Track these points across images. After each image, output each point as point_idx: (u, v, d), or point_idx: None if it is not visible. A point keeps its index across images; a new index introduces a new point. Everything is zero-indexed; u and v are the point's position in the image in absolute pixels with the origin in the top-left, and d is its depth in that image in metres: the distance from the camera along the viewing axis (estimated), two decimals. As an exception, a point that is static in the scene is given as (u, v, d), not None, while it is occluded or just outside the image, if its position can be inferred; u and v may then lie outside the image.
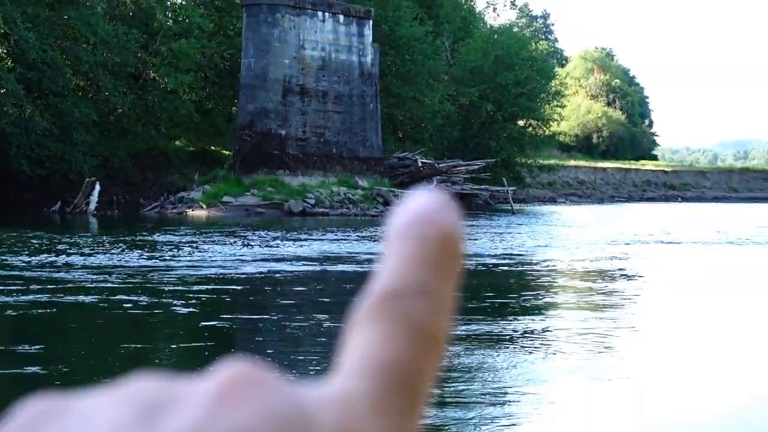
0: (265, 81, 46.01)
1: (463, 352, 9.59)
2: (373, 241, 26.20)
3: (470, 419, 7.19)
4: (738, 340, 11.37)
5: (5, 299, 12.96)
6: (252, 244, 24.17)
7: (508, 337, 10.67)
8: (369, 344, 0.34)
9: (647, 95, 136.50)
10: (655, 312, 13.80)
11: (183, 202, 43.56)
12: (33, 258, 19.01)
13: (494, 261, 20.75)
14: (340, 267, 18.77)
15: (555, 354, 9.69)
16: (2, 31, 42.46)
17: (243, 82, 46.84)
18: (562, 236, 30.28)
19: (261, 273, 17.44)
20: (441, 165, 51.15)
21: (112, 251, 20.99)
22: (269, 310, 12.63)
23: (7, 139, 41.03)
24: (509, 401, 7.69)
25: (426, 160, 50.95)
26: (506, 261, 20.85)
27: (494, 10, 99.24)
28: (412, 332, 0.34)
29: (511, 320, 11.97)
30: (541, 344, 10.28)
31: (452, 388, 8.01)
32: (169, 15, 53.65)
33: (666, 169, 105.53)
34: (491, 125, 62.14)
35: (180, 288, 14.67)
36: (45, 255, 19.74)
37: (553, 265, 20.41)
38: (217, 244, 23.86)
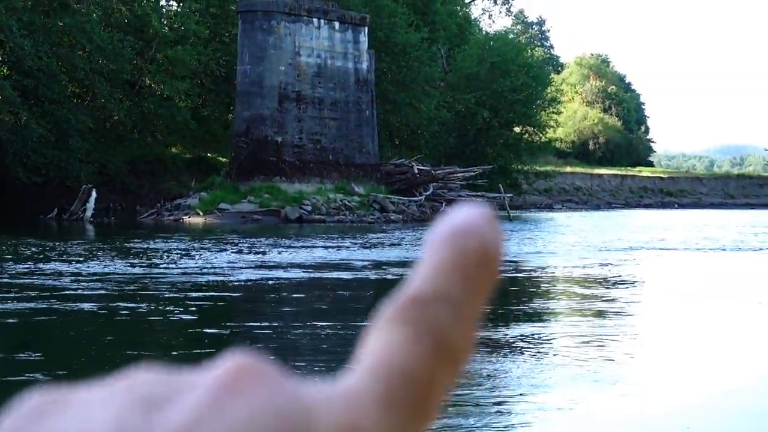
0: (261, 88, 45.98)
1: (463, 359, 9.53)
2: (370, 247, 26.16)
3: (473, 425, 7.16)
4: (740, 345, 11.34)
5: (3, 306, 12.91)
6: (249, 251, 24.12)
7: (509, 343, 10.64)
8: (386, 347, 0.34)
9: (643, 101, 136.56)
10: (655, 318, 13.77)
11: (180, 209, 43.52)
12: (29, 265, 18.95)
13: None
14: (336, 274, 18.72)
15: (557, 360, 9.65)
16: (-2, 38, 42.40)
17: (239, 89, 46.81)
18: (559, 243, 30.26)
19: (258, 280, 17.39)
20: (437, 171, 51.09)
21: (109, 258, 20.93)
22: (268, 317, 12.58)
23: (3, 147, 40.97)
24: (512, 408, 7.65)
25: (422, 167, 50.91)
26: (505, 268, 20.78)
27: (490, 16, 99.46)
28: (430, 339, 0.34)
29: (512, 326, 11.93)
30: (542, 350, 10.25)
31: (454, 395, 7.96)
32: (165, 22, 53.64)
33: (662, 175, 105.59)
34: (487, 132, 62.13)
35: (177, 295, 14.63)
36: (41, 262, 19.68)
37: (552, 272, 20.38)
38: (213, 251, 23.81)
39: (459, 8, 74.37)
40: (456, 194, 51.04)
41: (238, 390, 0.30)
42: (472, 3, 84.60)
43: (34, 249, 23.23)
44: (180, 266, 19.43)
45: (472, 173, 52.59)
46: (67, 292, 14.76)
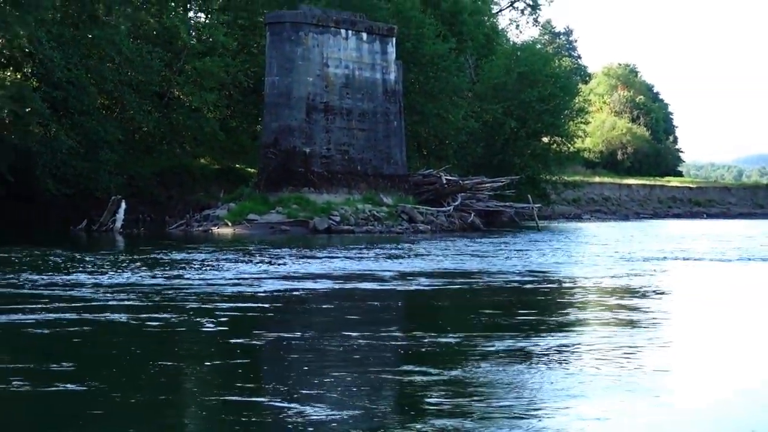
0: (289, 99, 46.09)
1: (495, 369, 9.50)
2: (398, 258, 26.12)
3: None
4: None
5: (33, 317, 12.94)
6: (277, 261, 24.13)
7: (539, 352, 10.57)
8: None
9: (671, 111, 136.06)
10: (687, 328, 13.66)
11: (208, 219, 43.67)
12: (59, 276, 19.02)
13: (522, 278, 20.65)
14: (365, 284, 18.68)
15: (591, 370, 9.58)
16: (27, 50, 42.67)
17: (267, 100, 46.93)
18: (588, 253, 30.15)
19: (287, 290, 17.38)
20: (465, 182, 51.07)
21: (138, 269, 20.98)
22: (298, 328, 12.56)
23: (33, 159, 41.20)
24: (542, 417, 7.60)
25: (450, 177, 50.92)
26: (534, 278, 20.74)
27: (517, 27, 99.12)
28: None
29: (545, 337, 11.86)
30: (572, 360, 10.18)
31: (485, 405, 7.92)
32: (193, 34, 53.93)
33: (691, 185, 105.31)
34: (515, 142, 62.05)
35: (207, 306, 14.63)
36: (71, 273, 19.76)
37: (582, 282, 20.28)
38: (242, 261, 23.83)
39: (486, 18, 74.27)
40: (484, 204, 50.99)
41: None
42: (500, 13, 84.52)
43: (63, 259, 23.32)
44: (209, 277, 19.45)
45: (500, 183, 52.55)
46: (97, 303, 14.78)
